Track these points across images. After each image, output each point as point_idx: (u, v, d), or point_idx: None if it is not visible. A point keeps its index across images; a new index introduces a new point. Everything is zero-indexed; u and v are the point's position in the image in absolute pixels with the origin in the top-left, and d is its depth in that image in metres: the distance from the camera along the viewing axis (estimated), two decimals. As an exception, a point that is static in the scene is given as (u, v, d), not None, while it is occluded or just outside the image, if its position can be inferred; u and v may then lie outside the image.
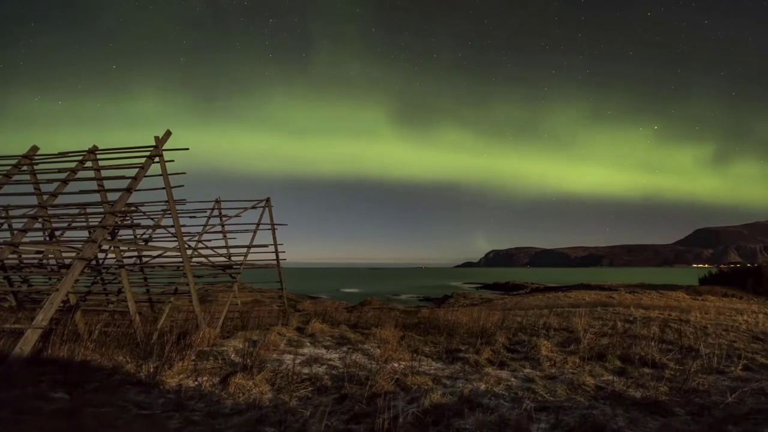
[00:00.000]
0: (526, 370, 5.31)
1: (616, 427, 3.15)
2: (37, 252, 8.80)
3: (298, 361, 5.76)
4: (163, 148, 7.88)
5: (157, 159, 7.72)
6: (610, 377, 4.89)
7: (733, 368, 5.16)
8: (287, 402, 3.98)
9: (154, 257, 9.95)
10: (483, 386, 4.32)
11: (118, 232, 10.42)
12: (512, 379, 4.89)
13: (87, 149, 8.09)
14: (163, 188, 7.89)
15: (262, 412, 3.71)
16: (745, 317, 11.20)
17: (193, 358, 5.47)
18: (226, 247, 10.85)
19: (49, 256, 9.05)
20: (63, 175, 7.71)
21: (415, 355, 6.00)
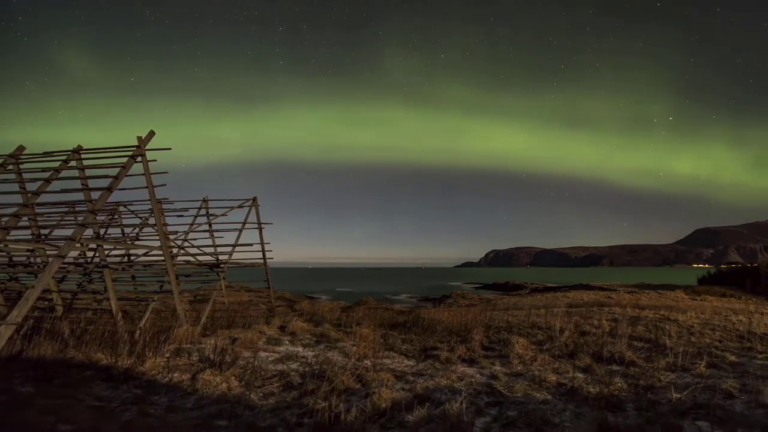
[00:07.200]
0: (495, 367, 5.37)
1: (558, 420, 3.21)
2: (28, 250, 8.90)
3: (272, 358, 5.83)
4: (146, 147, 7.99)
5: (139, 159, 7.84)
6: (574, 374, 4.93)
7: (698, 366, 5.20)
8: (250, 397, 4.05)
9: (140, 256, 10.05)
10: (444, 382, 4.38)
11: (106, 230, 10.53)
12: (477, 375, 4.95)
13: (71, 149, 8.21)
14: (146, 187, 8.03)
15: (222, 406, 3.78)
16: (740, 317, 11.20)
17: (167, 355, 5.55)
18: (213, 246, 10.93)
19: (37, 254, 9.15)
20: (48, 175, 7.83)
21: (387, 352, 6.06)
